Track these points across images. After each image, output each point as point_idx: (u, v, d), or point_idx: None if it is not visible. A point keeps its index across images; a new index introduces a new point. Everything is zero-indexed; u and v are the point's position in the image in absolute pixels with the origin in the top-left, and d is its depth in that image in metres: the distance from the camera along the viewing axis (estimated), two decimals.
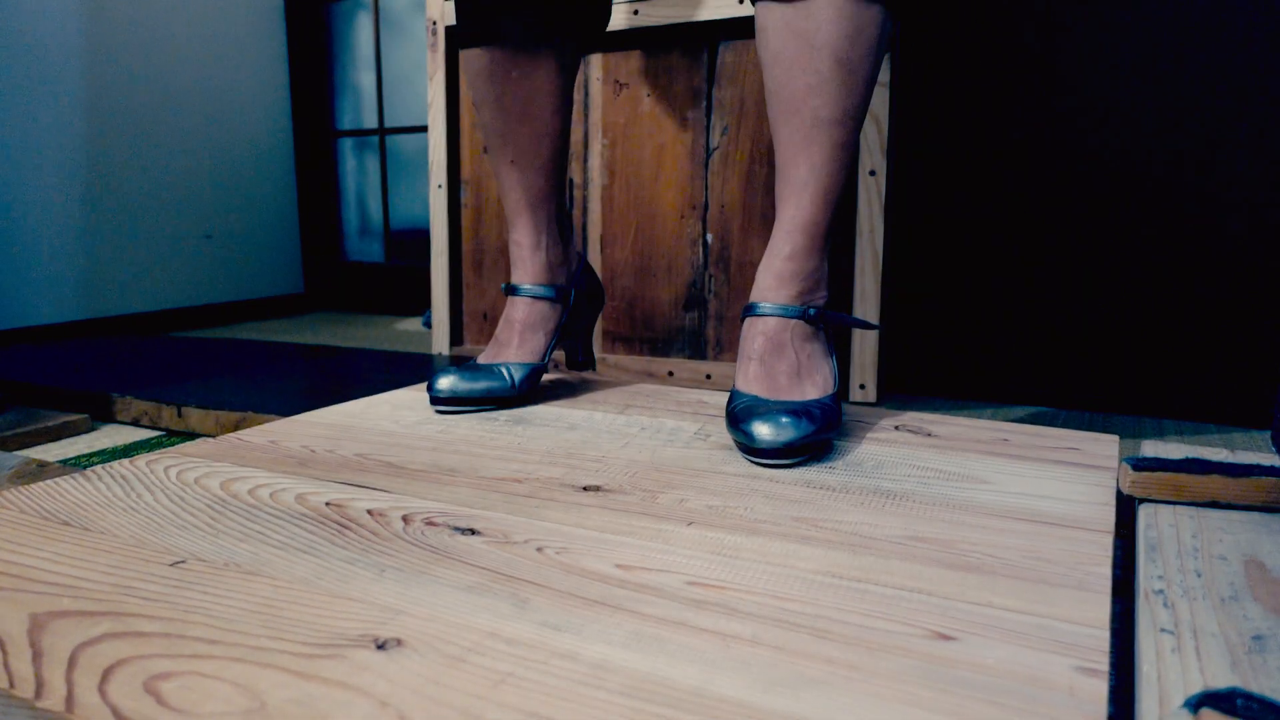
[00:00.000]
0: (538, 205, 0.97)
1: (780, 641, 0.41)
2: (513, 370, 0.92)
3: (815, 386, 0.77)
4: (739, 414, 0.73)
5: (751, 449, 0.70)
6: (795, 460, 0.70)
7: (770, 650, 0.40)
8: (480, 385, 0.90)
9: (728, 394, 1.00)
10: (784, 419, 0.70)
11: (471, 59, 0.94)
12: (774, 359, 0.78)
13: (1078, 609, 0.45)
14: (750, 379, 0.77)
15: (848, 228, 1.31)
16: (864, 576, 0.49)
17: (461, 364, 0.92)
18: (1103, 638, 0.42)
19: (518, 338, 0.95)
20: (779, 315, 0.79)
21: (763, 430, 0.69)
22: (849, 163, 0.80)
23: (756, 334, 0.79)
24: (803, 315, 0.79)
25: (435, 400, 0.89)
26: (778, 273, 0.80)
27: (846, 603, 0.45)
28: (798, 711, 0.35)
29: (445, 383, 0.89)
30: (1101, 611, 0.45)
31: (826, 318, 0.80)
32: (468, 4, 0.93)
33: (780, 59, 0.78)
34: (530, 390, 0.93)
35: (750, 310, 0.81)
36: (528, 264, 0.97)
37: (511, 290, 0.96)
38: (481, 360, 0.94)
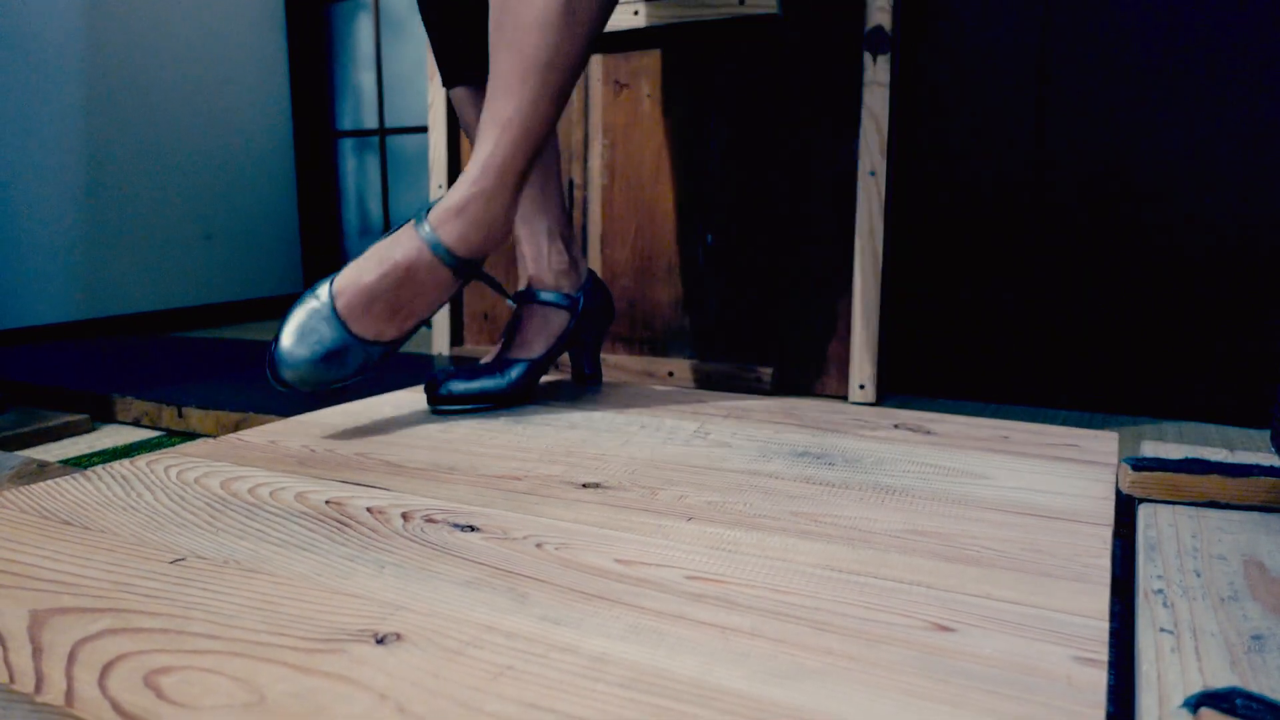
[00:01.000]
0: (535, 217, 0.98)
1: (779, 634, 0.41)
2: (510, 369, 0.92)
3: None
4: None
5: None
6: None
7: (769, 642, 0.40)
8: (477, 385, 0.90)
9: (728, 394, 1.01)
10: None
11: (455, 90, 0.99)
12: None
13: (1076, 600, 0.45)
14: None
15: (848, 228, 1.31)
16: (863, 570, 0.49)
17: (460, 365, 0.93)
18: (1101, 628, 0.42)
19: (519, 339, 0.95)
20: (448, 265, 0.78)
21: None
22: (557, 112, 0.78)
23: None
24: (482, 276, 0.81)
25: (433, 400, 0.90)
26: (457, 209, 0.77)
27: (845, 595, 0.45)
28: (797, 702, 0.35)
29: (443, 383, 0.89)
30: (1100, 603, 0.45)
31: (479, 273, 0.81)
32: (442, 54, 0.97)
33: None
34: (528, 390, 0.93)
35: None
36: (533, 272, 0.98)
37: (517, 297, 0.97)
38: (481, 361, 0.94)
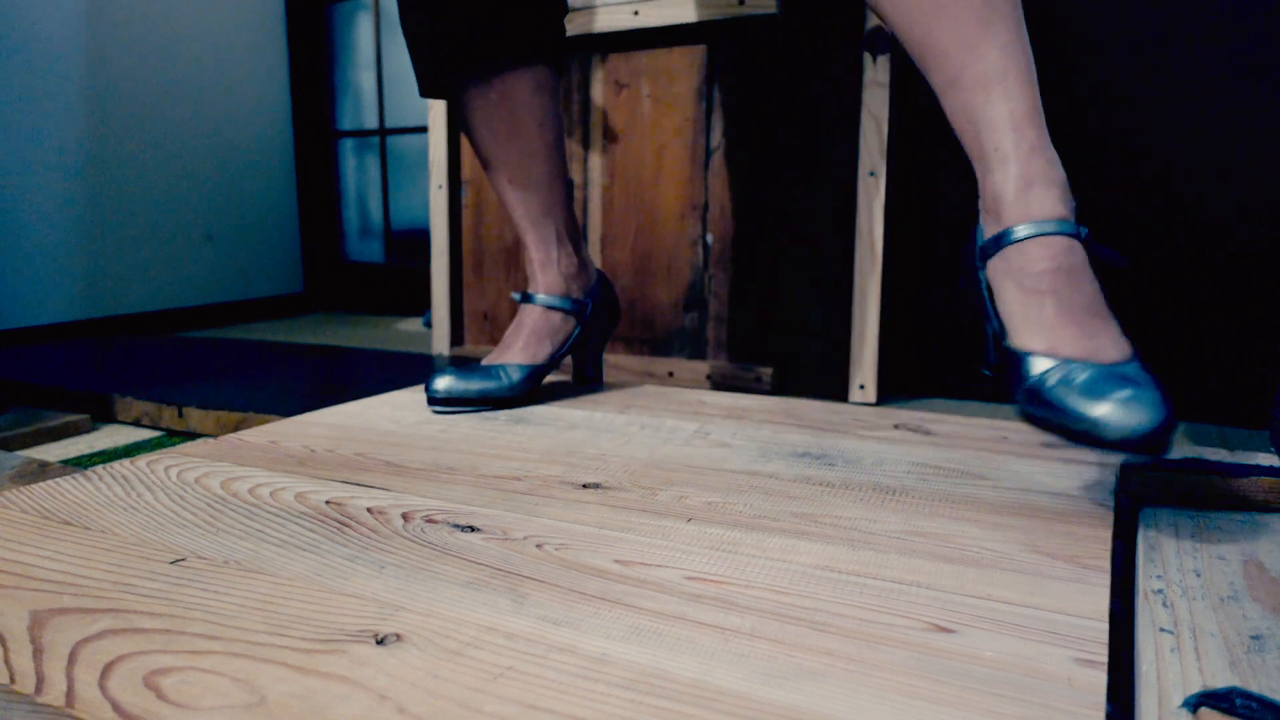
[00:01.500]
0: (542, 219, 0.96)
1: (779, 635, 0.41)
2: (511, 372, 0.92)
3: (1123, 337, 0.58)
4: (1071, 387, 0.51)
5: (1123, 440, 0.49)
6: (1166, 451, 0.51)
7: (769, 643, 0.40)
8: (476, 386, 0.90)
9: (728, 394, 1.00)
10: (1145, 391, 0.50)
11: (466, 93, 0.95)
12: (1072, 294, 0.57)
13: (1075, 601, 0.45)
14: (1051, 327, 0.56)
15: (848, 228, 1.31)
16: (862, 571, 0.49)
17: (462, 365, 0.92)
18: (1100, 629, 0.42)
19: (522, 341, 0.94)
20: (1064, 235, 0.57)
21: (1128, 413, 0.49)
22: (1029, 46, 0.63)
23: (1042, 256, 0.58)
24: (1077, 234, 0.59)
25: (432, 400, 0.89)
26: (1031, 177, 0.59)
27: (845, 596, 0.45)
28: (796, 703, 0.35)
29: (442, 383, 0.89)
30: (1099, 603, 0.45)
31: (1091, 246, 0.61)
32: (422, 68, 0.94)
33: None
34: (529, 393, 0.93)
35: (1004, 239, 0.60)
36: (541, 276, 0.96)
37: (525, 298, 0.96)
38: (484, 362, 0.93)
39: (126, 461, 0.70)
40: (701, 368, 1.42)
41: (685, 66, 1.40)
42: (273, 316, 2.61)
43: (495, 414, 0.89)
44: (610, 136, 1.48)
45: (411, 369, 1.51)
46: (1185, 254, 1.23)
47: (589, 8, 1.42)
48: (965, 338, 1.38)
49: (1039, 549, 0.52)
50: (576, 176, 1.51)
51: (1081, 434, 0.51)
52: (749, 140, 1.37)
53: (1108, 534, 0.55)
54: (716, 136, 1.39)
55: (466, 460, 0.71)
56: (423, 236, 2.60)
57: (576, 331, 0.97)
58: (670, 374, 1.45)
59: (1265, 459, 0.66)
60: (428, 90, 0.95)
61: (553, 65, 0.96)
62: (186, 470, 0.68)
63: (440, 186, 1.64)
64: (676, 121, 1.42)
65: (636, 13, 1.39)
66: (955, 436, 0.79)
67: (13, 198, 1.97)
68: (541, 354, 0.94)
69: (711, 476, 0.67)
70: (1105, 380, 0.51)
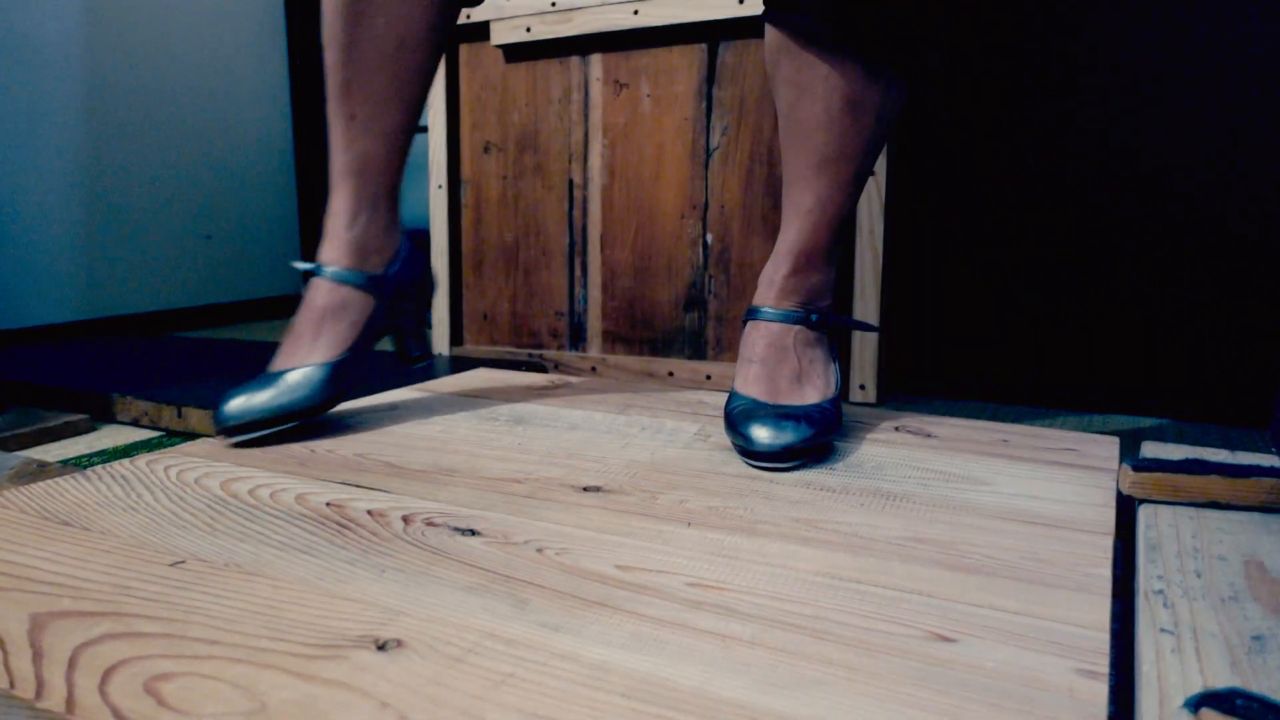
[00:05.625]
0: (369, 173, 0.81)
1: (780, 643, 0.41)
2: (311, 376, 0.77)
3: (815, 390, 0.77)
4: (736, 417, 0.73)
5: (749, 452, 0.70)
6: (793, 464, 0.70)
7: (770, 651, 0.40)
8: (265, 404, 0.75)
9: (727, 395, 1.00)
10: (783, 422, 0.70)
11: None
12: (776, 363, 0.78)
13: (1077, 611, 0.45)
14: (750, 381, 0.77)
15: (848, 228, 1.31)
16: (863, 578, 0.49)
17: (259, 375, 0.78)
18: (1102, 639, 0.42)
19: (313, 329, 0.79)
20: (781, 320, 0.79)
21: (761, 433, 0.70)
22: (858, 191, 0.80)
23: (759, 338, 0.79)
24: (805, 320, 0.79)
25: (225, 431, 0.75)
26: (780, 288, 0.80)
27: (846, 604, 0.45)
28: (797, 713, 0.35)
29: (235, 405, 0.75)
30: (1101, 613, 0.45)
31: (829, 322, 0.81)
32: None
33: (790, 85, 0.77)
34: (337, 394, 0.79)
35: (752, 314, 0.81)
36: (337, 240, 0.81)
37: (313, 271, 0.81)
38: (276, 363, 0.79)
39: (126, 461, 0.69)
40: (701, 368, 1.42)
41: (685, 66, 1.40)
42: (273, 316, 2.61)
43: (495, 414, 0.88)
44: (610, 136, 1.47)
45: (411, 369, 1.51)
46: (1185, 254, 1.23)
47: (589, 7, 1.42)
48: (965, 338, 1.38)
49: (1040, 556, 0.52)
50: (576, 176, 1.51)
51: (739, 447, 0.72)
52: (749, 140, 1.36)
53: (1109, 540, 0.55)
54: (716, 137, 1.39)
55: (466, 461, 0.71)
56: (422, 236, 2.60)
57: (378, 312, 0.82)
58: (670, 374, 1.45)
59: (1265, 459, 0.66)
60: None
61: None
62: (186, 470, 0.68)
63: (440, 186, 1.64)
64: (676, 121, 1.41)
65: (636, 12, 1.38)
66: (956, 439, 0.79)
67: (12, 198, 1.97)
68: (339, 341, 0.79)
69: (712, 480, 0.67)
70: (759, 412, 0.72)
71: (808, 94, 0.76)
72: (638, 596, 0.46)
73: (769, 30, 0.78)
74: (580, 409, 0.91)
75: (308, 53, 2.66)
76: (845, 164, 0.77)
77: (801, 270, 0.80)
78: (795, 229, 0.80)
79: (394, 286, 0.84)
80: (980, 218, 1.35)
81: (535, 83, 1.53)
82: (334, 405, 0.80)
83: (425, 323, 0.90)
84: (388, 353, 1.75)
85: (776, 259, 0.81)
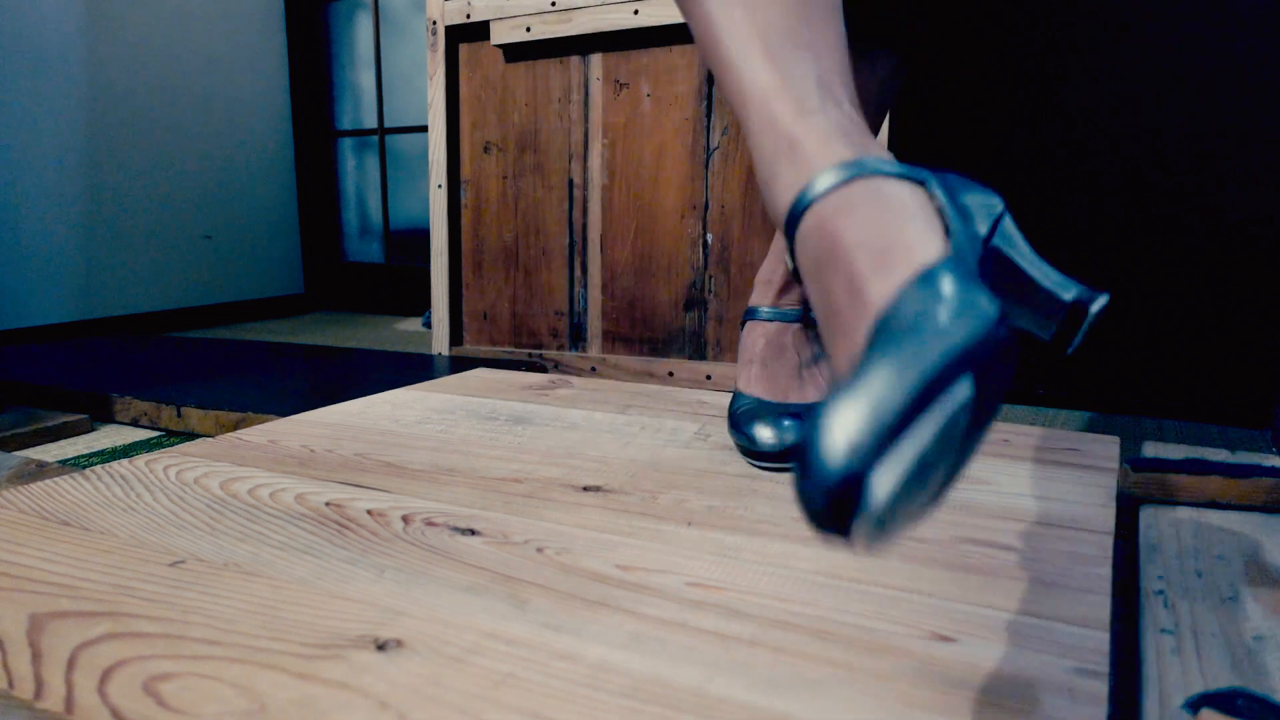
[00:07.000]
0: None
1: (780, 642, 0.41)
2: None
3: (818, 389, 0.77)
4: (740, 417, 0.73)
5: (753, 452, 0.70)
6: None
7: (770, 651, 0.40)
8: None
9: (728, 394, 1.00)
10: (786, 422, 0.70)
11: None
12: (775, 362, 0.78)
13: (1077, 611, 0.45)
14: (752, 382, 0.77)
15: None
16: (863, 577, 0.49)
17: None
18: (1102, 640, 0.42)
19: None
20: (779, 320, 0.79)
21: (764, 433, 0.70)
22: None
23: (757, 337, 0.79)
24: (802, 319, 0.79)
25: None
26: (776, 288, 0.80)
27: (846, 604, 0.45)
28: (797, 712, 0.35)
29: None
30: (1101, 613, 0.45)
31: None
32: None
33: None
34: None
35: (750, 314, 0.81)
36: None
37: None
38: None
39: (125, 461, 0.69)
40: (701, 368, 1.42)
41: (685, 66, 1.40)
42: (272, 316, 2.61)
43: (495, 414, 0.88)
44: (610, 136, 1.47)
45: (411, 369, 1.51)
46: (1185, 254, 1.23)
47: (589, 7, 1.42)
48: None
49: (1040, 556, 0.52)
50: (576, 176, 1.51)
51: (742, 448, 0.71)
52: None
53: (1109, 540, 0.55)
54: (716, 136, 1.39)
55: (466, 461, 0.71)
56: (422, 236, 2.60)
57: None
58: (670, 374, 1.45)
59: (1265, 459, 0.66)
60: None
61: None
62: (186, 470, 0.68)
63: (440, 186, 1.64)
64: (676, 121, 1.41)
65: (636, 12, 1.38)
66: None
67: (12, 198, 1.97)
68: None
69: (712, 480, 0.67)
70: (762, 412, 0.71)
71: None
72: (638, 596, 0.46)
73: None
74: (580, 409, 0.91)
75: (308, 53, 2.66)
76: None
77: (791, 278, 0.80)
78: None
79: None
80: None
81: (535, 82, 1.53)
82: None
83: None
84: (388, 353, 1.75)
85: (771, 259, 0.82)
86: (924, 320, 0.31)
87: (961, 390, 0.30)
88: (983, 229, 0.44)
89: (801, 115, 0.43)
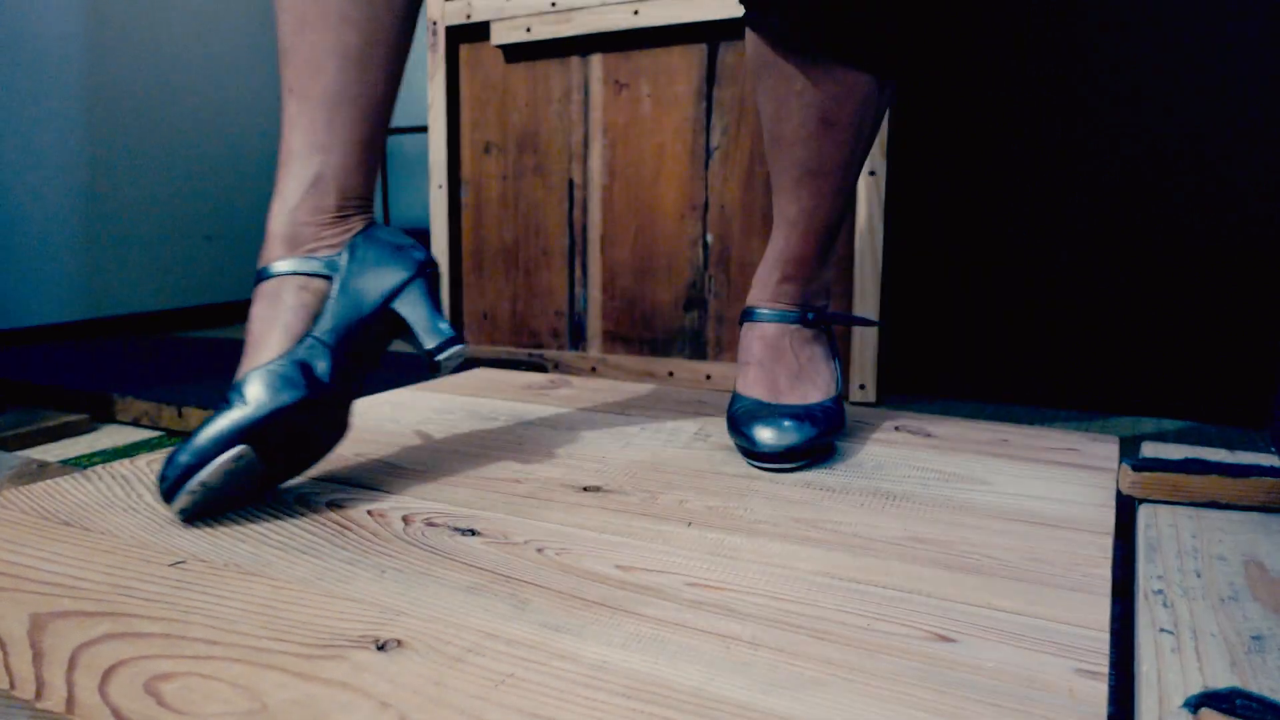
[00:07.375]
0: (307, 152, 0.62)
1: (780, 643, 0.41)
2: (239, 392, 0.59)
3: (817, 389, 0.77)
4: (740, 418, 0.73)
5: (754, 453, 0.70)
6: (798, 464, 0.70)
7: (770, 651, 0.40)
8: (210, 439, 0.55)
9: (728, 394, 1.00)
10: (786, 423, 0.70)
11: None
12: (773, 363, 0.78)
13: (1077, 611, 0.45)
14: (751, 383, 0.77)
15: (848, 228, 1.31)
16: (863, 578, 0.49)
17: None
18: (1102, 640, 0.42)
19: (252, 334, 0.62)
20: (777, 320, 0.79)
21: (765, 434, 0.69)
22: (843, 203, 0.79)
23: (755, 339, 0.79)
24: (801, 320, 0.79)
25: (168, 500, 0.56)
26: (773, 289, 0.81)
27: (846, 604, 0.45)
28: (797, 713, 0.35)
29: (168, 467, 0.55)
30: (1101, 613, 0.45)
31: (826, 319, 0.80)
32: None
33: (770, 99, 0.76)
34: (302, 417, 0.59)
35: (747, 315, 0.81)
36: (277, 226, 0.62)
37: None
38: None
39: (126, 461, 0.69)
40: (701, 368, 1.42)
41: (685, 67, 1.40)
42: None
43: (495, 414, 0.88)
44: (610, 136, 1.47)
45: (411, 369, 1.51)
46: (1185, 254, 1.23)
47: (589, 7, 1.42)
48: (965, 338, 1.38)
49: (1040, 556, 0.52)
50: (576, 176, 1.51)
51: (742, 449, 0.72)
52: (749, 140, 1.36)
53: (1108, 540, 0.55)
54: (716, 136, 1.39)
55: (467, 461, 0.71)
56: (423, 236, 2.59)
57: (335, 302, 0.60)
58: (670, 374, 1.45)
59: (1265, 459, 0.66)
60: None
61: None
62: None
63: (440, 186, 1.64)
64: (676, 121, 1.41)
65: (636, 12, 1.38)
66: (956, 439, 0.79)
67: (13, 197, 1.97)
68: (267, 351, 0.60)
69: (712, 480, 0.67)
70: (762, 413, 0.72)
71: (785, 108, 0.75)
72: (638, 596, 0.46)
73: (749, 41, 0.76)
74: (580, 409, 0.91)
75: None
76: (825, 178, 0.77)
77: (793, 276, 0.80)
78: (783, 237, 0.80)
79: (347, 275, 0.63)
80: (980, 218, 1.35)
81: (535, 83, 1.53)
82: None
83: (435, 305, 0.66)
84: (388, 353, 1.75)
85: (768, 264, 0.82)
86: (235, 399, 0.57)
87: (241, 450, 0.55)
88: (374, 300, 0.62)
89: (282, 210, 0.61)
